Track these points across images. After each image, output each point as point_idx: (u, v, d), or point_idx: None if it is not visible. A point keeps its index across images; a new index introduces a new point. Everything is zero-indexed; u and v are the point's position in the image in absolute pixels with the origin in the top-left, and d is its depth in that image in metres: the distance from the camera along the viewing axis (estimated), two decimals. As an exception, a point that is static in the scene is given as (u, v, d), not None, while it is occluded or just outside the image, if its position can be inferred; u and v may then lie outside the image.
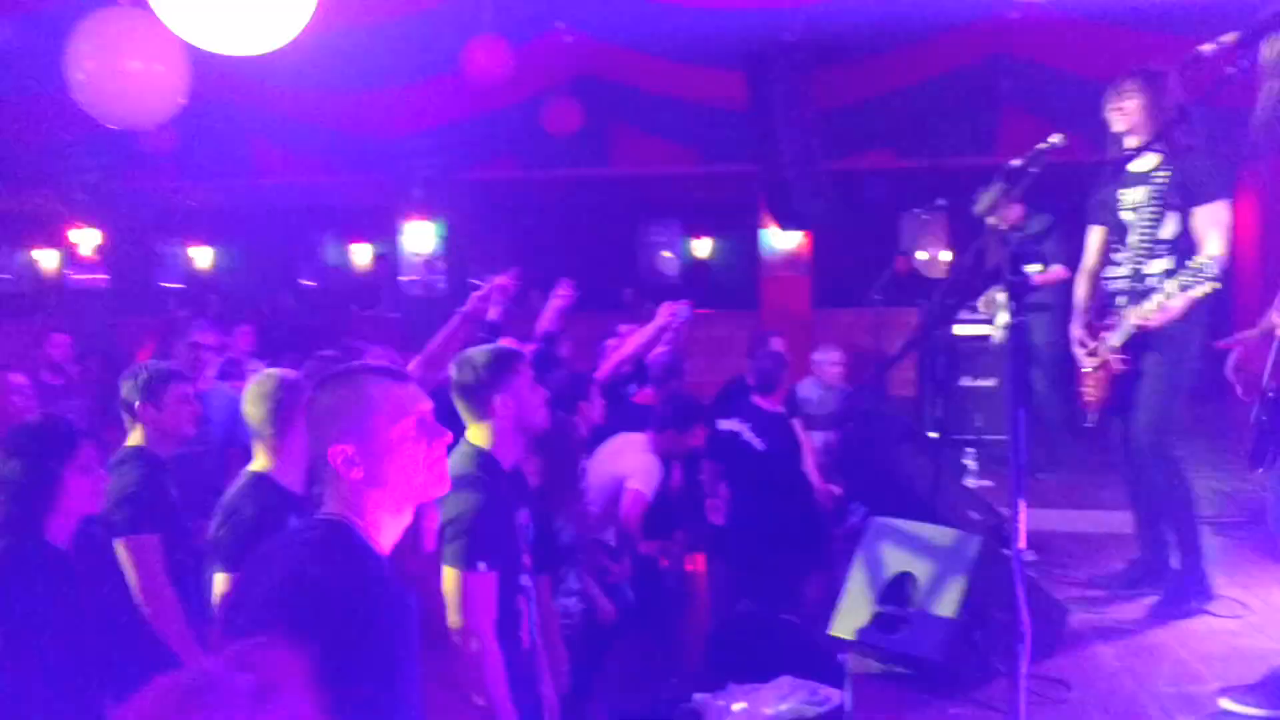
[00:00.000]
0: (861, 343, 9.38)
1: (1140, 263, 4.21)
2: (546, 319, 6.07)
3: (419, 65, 8.89)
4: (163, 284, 14.51)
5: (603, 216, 13.31)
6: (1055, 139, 4.12)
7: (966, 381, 8.47)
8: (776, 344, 6.37)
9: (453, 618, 2.59)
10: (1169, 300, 4.05)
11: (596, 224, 13.32)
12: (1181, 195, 4.09)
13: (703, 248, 14.67)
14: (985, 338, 7.43)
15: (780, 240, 11.75)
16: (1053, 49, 8.29)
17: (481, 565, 2.59)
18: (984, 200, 6.83)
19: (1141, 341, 4.17)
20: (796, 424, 5.86)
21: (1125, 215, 4.23)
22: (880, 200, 11.45)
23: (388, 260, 13.39)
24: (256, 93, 8.97)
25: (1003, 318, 4.51)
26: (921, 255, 11.60)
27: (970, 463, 6.86)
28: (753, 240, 12.07)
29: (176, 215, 12.68)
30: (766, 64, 8.81)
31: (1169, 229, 4.13)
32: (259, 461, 2.90)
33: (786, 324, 11.42)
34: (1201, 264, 3.99)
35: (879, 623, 3.43)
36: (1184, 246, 4.11)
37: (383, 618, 1.71)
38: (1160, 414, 4.21)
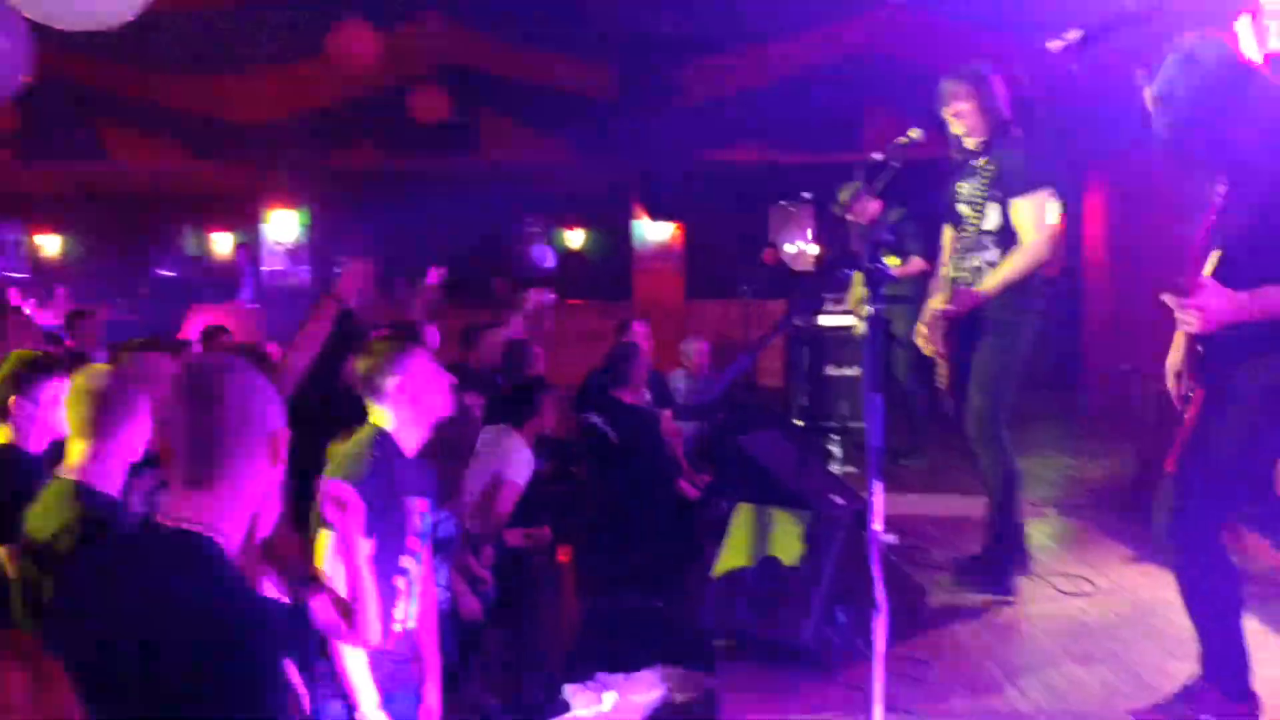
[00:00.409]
0: (732, 334, 9.51)
1: (972, 254, 4.28)
2: (415, 308, 5.98)
3: (283, 49, 8.64)
4: (3, 273, 13.75)
5: (472, 207, 13.14)
6: (913, 134, 4.22)
7: (832, 371, 8.65)
8: (639, 331, 6.38)
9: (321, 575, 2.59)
10: (980, 288, 4.16)
11: (466, 215, 13.14)
12: (1001, 186, 4.16)
13: (575, 239, 14.64)
14: (849, 328, 7.61)
15: (652, 232, 11.83)
16: (914, 47, 8.53)
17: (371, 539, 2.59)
18: (843, 195, 7.02)
19: (974, 330, 4.25)
20: (666, 414, 5.90)
21: (961, 208, 4.31)
22: (750, 193, 11.62)
23: (249, 250, 12.98)
24: (107, 74, 8.58)
25: (865, 309, 4.58)
26: (790, 248, 11.82)
27: (835, 449, 7.02)
28: (625, 232, 12.12)
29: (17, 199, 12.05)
30: (637, 56, 8.85)
31: (992, 220, 4.21)
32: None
33: (659, 315, 11.52)
34: (1014, 255, 4.09)
35: (746, 608, 3.48)
36: (1008, 237, 4.18)
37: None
38: (988, 401, 4.25)
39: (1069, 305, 11.93)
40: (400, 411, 2.83)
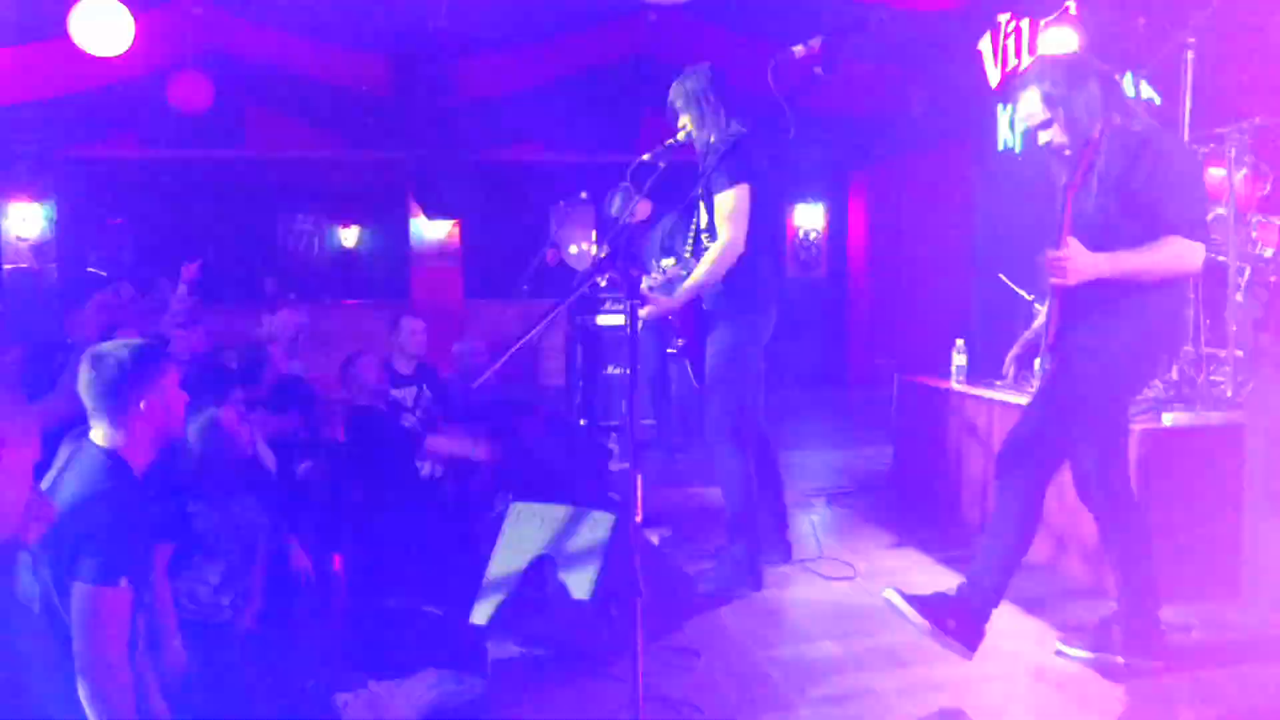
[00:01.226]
0: (511, 334, 9.45)
1: (695, 252, 4.39)
2: (174, 309, 5.67)
3: (23, 29, 7.98)
4: None
5: (240, 202, 12.56)
6: (681, 135, 4.30)
7: (611, 370, 8.75)
8: (412, 327, 6.27)
9: (80, 641, 2.36)
10: (682, 290, 4.26)
11: (233, 210, 12.55)
12: (705, 185, 4.26)
13: (349, 236, 14.22)
14: (624, 327, 7.71)
15: (430, 230, 11.63)
16: (687, 51, 8.73)
17: (123, 581, 2.39)
18: (614, 201, 7.12)
19: (706, 330, 4.36)
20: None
21: (696, 209, 4.44)
22: (530, 192, 11.60)
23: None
24: None
25: (642, 310, 4.64)
26: (573, 249, 11.86)
27: (613, 446, 7.10)
28: (402, 230, 11.87)
29: None
30: (411, 50, 8.67)
31: (704, 219, 4.34)
32: None
33: (437, 315, 11.33)
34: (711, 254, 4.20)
35: (519, 606, 3.46)
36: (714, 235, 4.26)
37: None
38: (713, 401, 4.33)
39: (836, 306, 12.53)
40: (139, 429, 2.58)
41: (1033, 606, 4.00)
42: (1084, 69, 3.23)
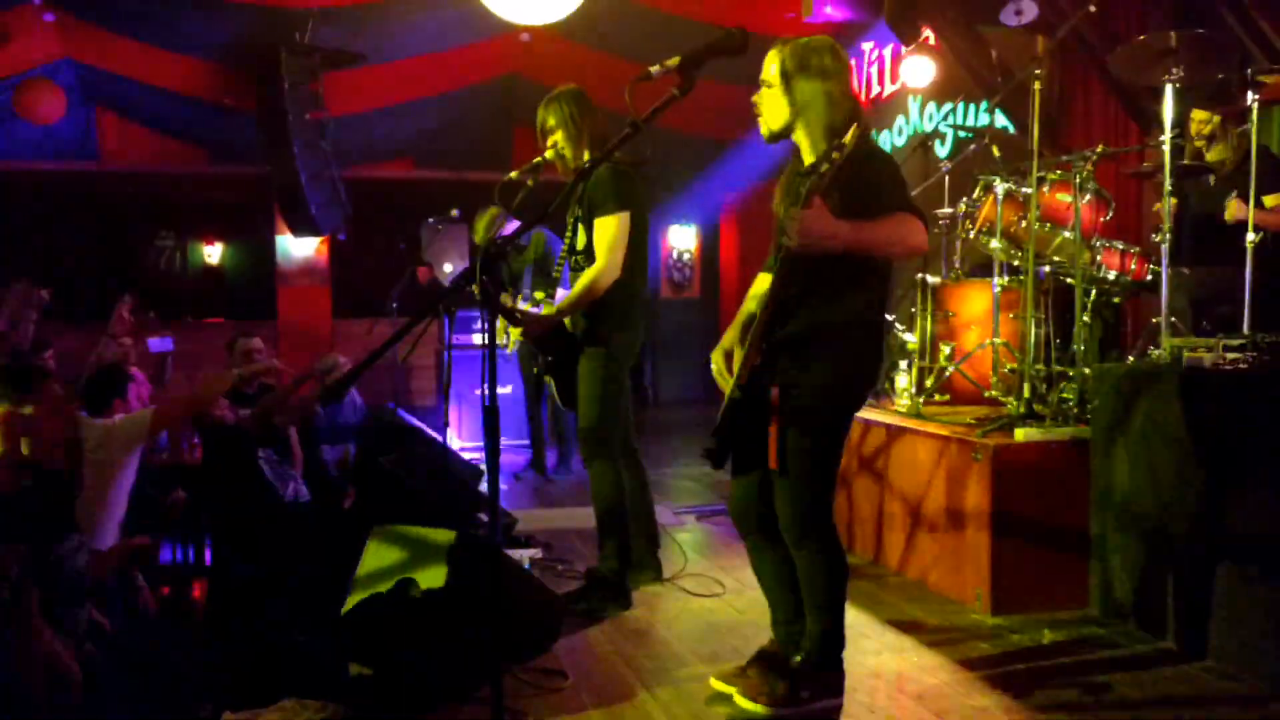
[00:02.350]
0: (381, 353, 9.29)
1: (571, 274, 4.42)
2: (22, 327, 5.43)
3: None
4: None
5: (96, 218, 12.07)
6: (548, 154, 4.31)
7: (486, 389, 8.67)
8: (253, 346, 6.13)
9: None
10: (556, 311, 4.28)
11: (88, 226, 12.06)
12: (585, 208, 4.29)
13: (213, 253, 13.79)
14: (501, 347, 7.65)
15: (297, 247, 11.38)
16: (556, 71, 8.77)
17: None
18: (479, 231, 7.10)
19: (573, 348, 4.37)
20: (293, 434, 5.62)
21: (568, 231, 4.44)
22: (401, 209, 11.45)
23: None
24: None
25: (515, 330, 4.62)
26: (448, 267, 11.74)
27: (485, 469, 7.02)
28: (268, 247, 11.58)
29: None
30: (276, 64, 8.47)
31: (581, 240, 4.36)
32: None
33: (305, 334, 11.08)
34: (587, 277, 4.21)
35: (381, 629, 3.38)
36: (593, 259, 4.28)
37: None
38: (587, 420, 4.32)
39: (709, 325, 12.70)
40: None
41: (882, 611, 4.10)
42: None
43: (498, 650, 2.74)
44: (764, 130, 3.22)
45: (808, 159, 3.15)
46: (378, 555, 3.60)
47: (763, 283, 3.33)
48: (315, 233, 9.81)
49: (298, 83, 8.51)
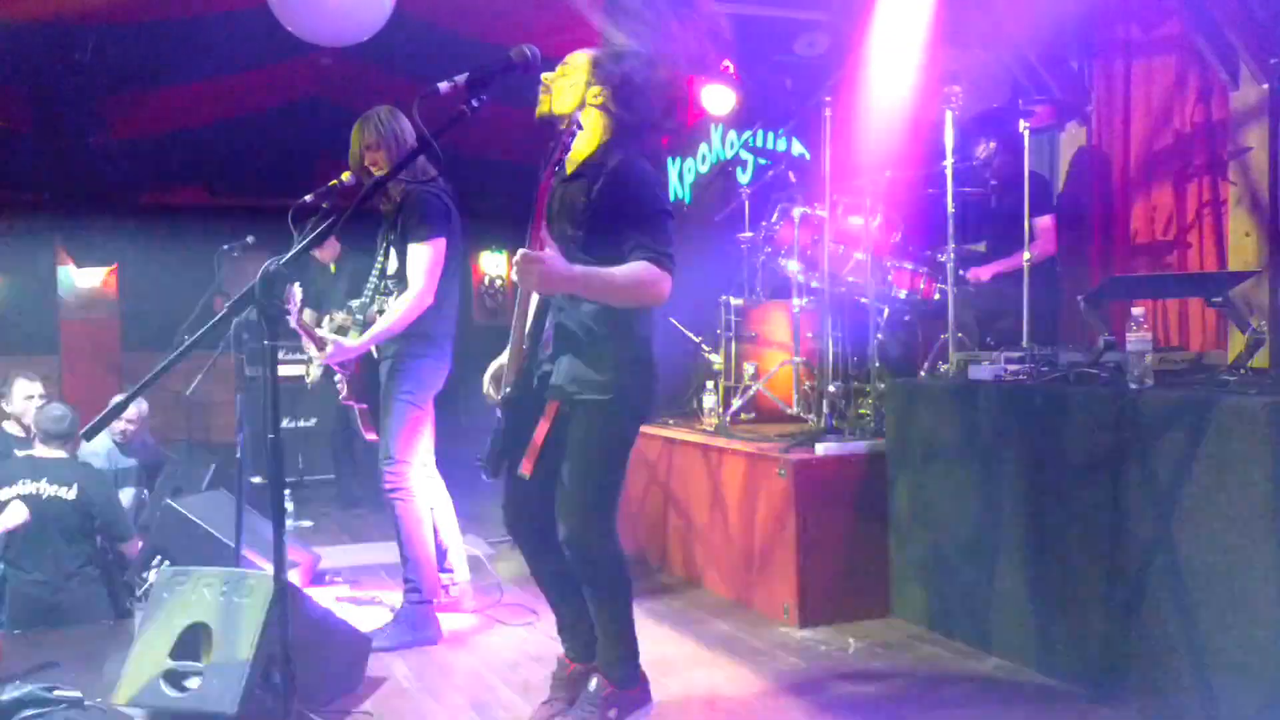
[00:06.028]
0: (175, 387, 8.82)
1: (381, 299, 4.31)
2: None
3: None
4: None
5: None
6: (346, 176, 4.18)
7: (287, 424, 8.37)
8: (26, 390, 5.82)
9: None
10: (364, 337, 4.20)
11: None
12: (397, 232, 4.21)
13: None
14: (301, 378, 7.39)
15: (81, 278, 10.75)
16: (359, 94, 8.58)
17: None
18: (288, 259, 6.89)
19: (376, 376, 4.31)
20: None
21: (380, 254, 4.36)
22: (193, 237, 10.94)
23: None
24: None
25: (316, 360, 4.45)
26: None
27: (289, 505, 6.76)
28: (49, 278, 10.89)
29: None
30: (55, 84, 7.96)
31: (393, 264, 4.28)
32: None
33: (93, 368, 10.45)
34: (397, 303, 4.15)
35: (168, 680, 3.17)
36: (405, 284, 4.20)
37: None
38: (395, 447, 4.23)
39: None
40: None
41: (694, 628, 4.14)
42: None
43: (288, 695, 2.59)
44: (543, 108, 3.10)
45: (571, 165, 3.04)
46: (169, 598, 3.38)
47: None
48: (100, 263, 9.28)
49: (78, 104, 8.02)
